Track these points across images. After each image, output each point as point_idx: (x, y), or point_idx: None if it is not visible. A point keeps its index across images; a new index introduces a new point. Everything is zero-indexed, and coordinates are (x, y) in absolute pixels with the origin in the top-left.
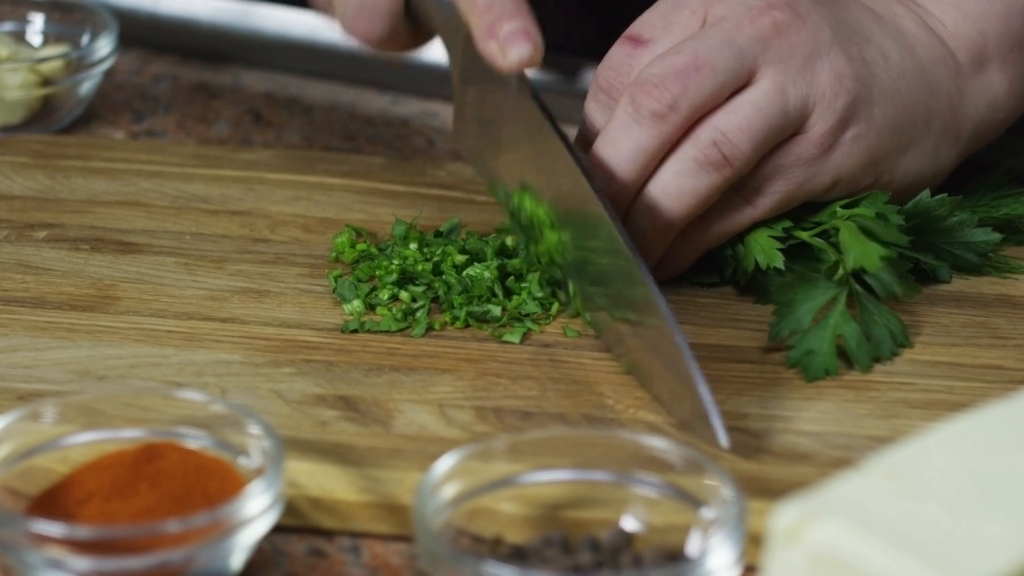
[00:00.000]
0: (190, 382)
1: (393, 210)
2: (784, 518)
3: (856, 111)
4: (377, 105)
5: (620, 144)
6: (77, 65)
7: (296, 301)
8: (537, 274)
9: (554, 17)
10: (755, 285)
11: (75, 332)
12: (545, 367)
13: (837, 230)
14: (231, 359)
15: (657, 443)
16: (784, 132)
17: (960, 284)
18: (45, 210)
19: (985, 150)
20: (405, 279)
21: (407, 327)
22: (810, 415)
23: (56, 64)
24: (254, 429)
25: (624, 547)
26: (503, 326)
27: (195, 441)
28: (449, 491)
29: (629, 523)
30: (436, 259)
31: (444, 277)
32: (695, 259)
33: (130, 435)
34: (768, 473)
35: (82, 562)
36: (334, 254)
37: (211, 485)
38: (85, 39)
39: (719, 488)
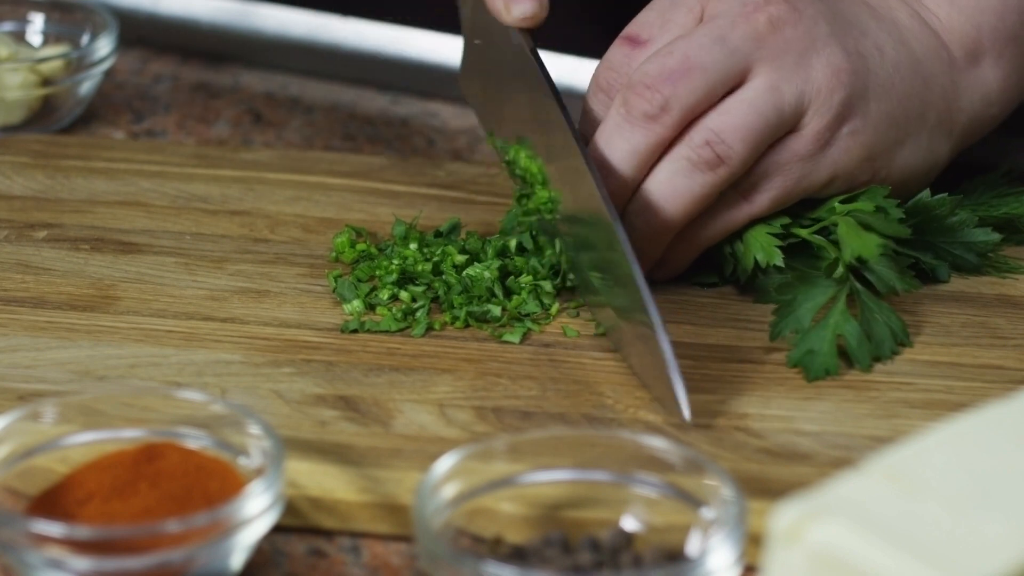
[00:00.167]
0: (190, 382)
1: (393, 210)
2: (784, 518)
3: (852, 106)
4: (377, 105)
5: (614, 145)
6: (77, 65)
7: (296, 301)
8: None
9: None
10: (755, 283)
11: (75, 332)
12: (545, 367)
13: (836, 226)
14: (231, 359)
15: (657, 443)
16: (779, 129)
17: (960, 284)
18: (45, 210)
19: (985, 150)
20: (405, 279)
21: (407, 327)
22: (810, 415)
23: (56, 64)
24: (254, 429)
25: (624, 547)
26: (503, 326)
27: (195, 441)
28: (449, 491)
29: (629, 523)
30: (436, 259)
31: (444, 277)
32: (694, 258)
33: (130, 435)
34: (768, 473)
35: (82, 562)
36: (334, 254)
37: (211, 485)
38: (85, 39)
39: (719, 488)
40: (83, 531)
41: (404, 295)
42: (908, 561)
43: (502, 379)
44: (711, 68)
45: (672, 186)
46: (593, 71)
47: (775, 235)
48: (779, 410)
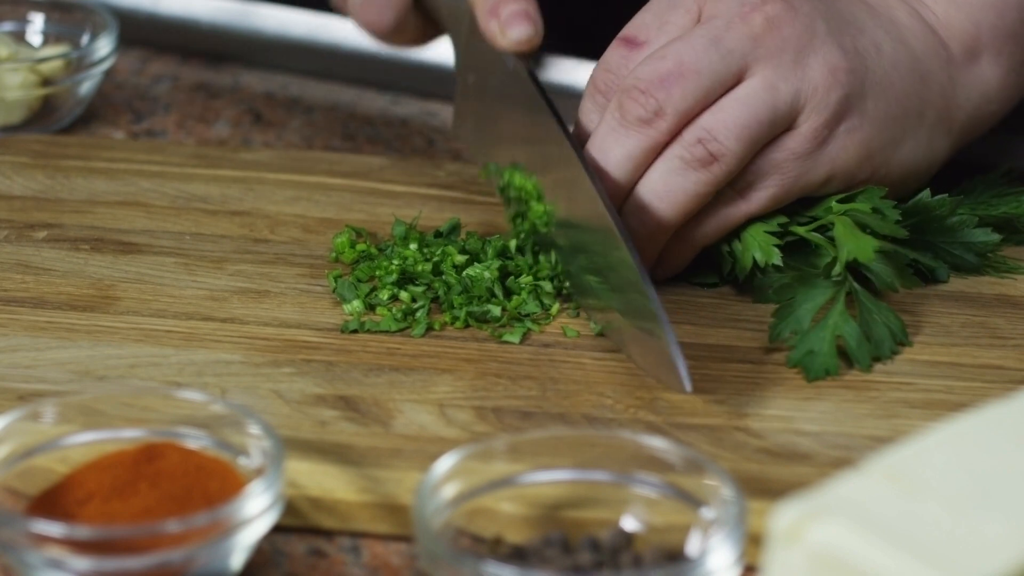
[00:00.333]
0: (190, 382)
1: (393, 210)
2: (784, 518)
3: (850, 105)
4: (377, 105)
5: (609, 150)
6: (77, 65)
7: (296, 301)
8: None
9: (551, 16)
10: (753, 283)
11: (75, 332)
12: (545, 367)
13: (833, 225)
14: (231, 359)
15: (657, 443)
16: (775, 127)
17: (959, 284)
18: (45, 210)
19: (985, 149)
20: (405, 279)
21: (407, 327)
22: (810, 415)
23: (56, 64)
24: (254, 429)
25: (624, 547)
26: (503, 326)
27: (195, 441)
28: (449, 491)
29: (629, 523)
30: (436, 259)
31: (444, 277)
32: (692, 257)
33: (130, 435)
34: (768, 473)
35: (82, 562)
36: (334, 254)
37: (211, 485)
38: (85, 39)
39: (719, 488)
40: (83, 531)
41: (404, 295)
42: (908, 561)
43: (502, 379)
44: (706, 71)
45: (666, 185)
46: (591, 73)
47: (773, 234)
48: (779, 410)
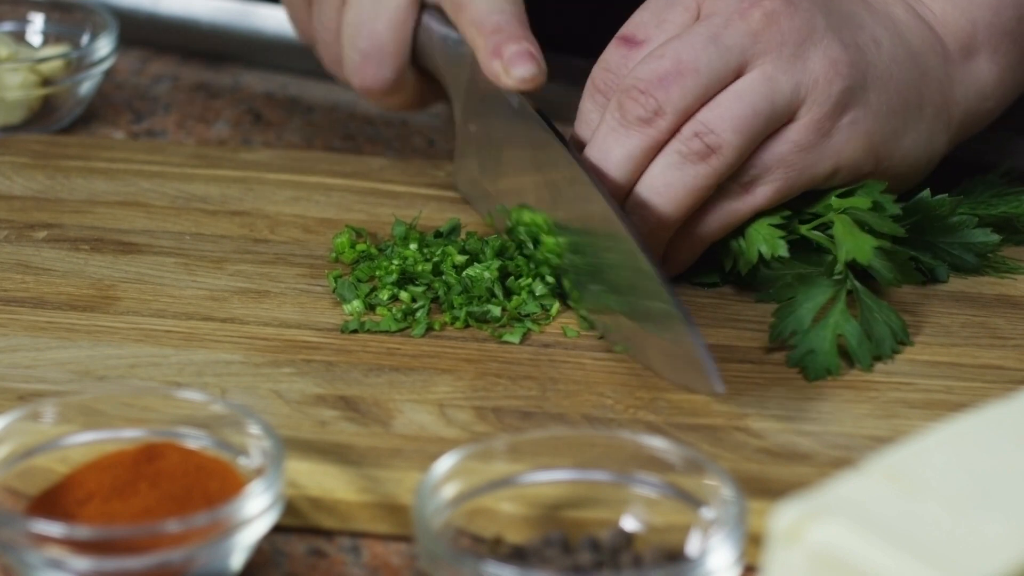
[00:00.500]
0: (190, 382)
1: (393, 210)
2: (784, 518)
3: (852, 97)
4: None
5: (610, 150)
6: (77, 65)
7: (296, 301)
8: (537, 276)
9: (552, 14)
10: (757, 276)
11: (75, 332)
12: (545, 367)
13: (833, 224)
14: (231, 359)
15: (657, 443)
16: (773, 119)
17: (959, 284)
18: (45, 210)
19: (984, 149)
20: (405, 279)
21: (407, 327)
22: (810, 415)
23: (56, 64)
24: (254, 429)
25: (624, 547)
26: (503, 326)
27: (195, 441)
28: (449, 491)
29: (629, 523)
30: (436, 259)
31: (444, 277)
32: (700, 253)
33: (130, 435)
34: (768, 473)
35: (82, 562)
36: (334, 254)
37: (211, 485)
38: (85, 39)
39: (719, 488)
40: (83, 531)
41: (404, 295)
42: (908, 561)
43: (502, 379)
44: (704, 69)
45: (665, 180)
46: (590, 72)
47: (777, 226)
48: (779, 410)
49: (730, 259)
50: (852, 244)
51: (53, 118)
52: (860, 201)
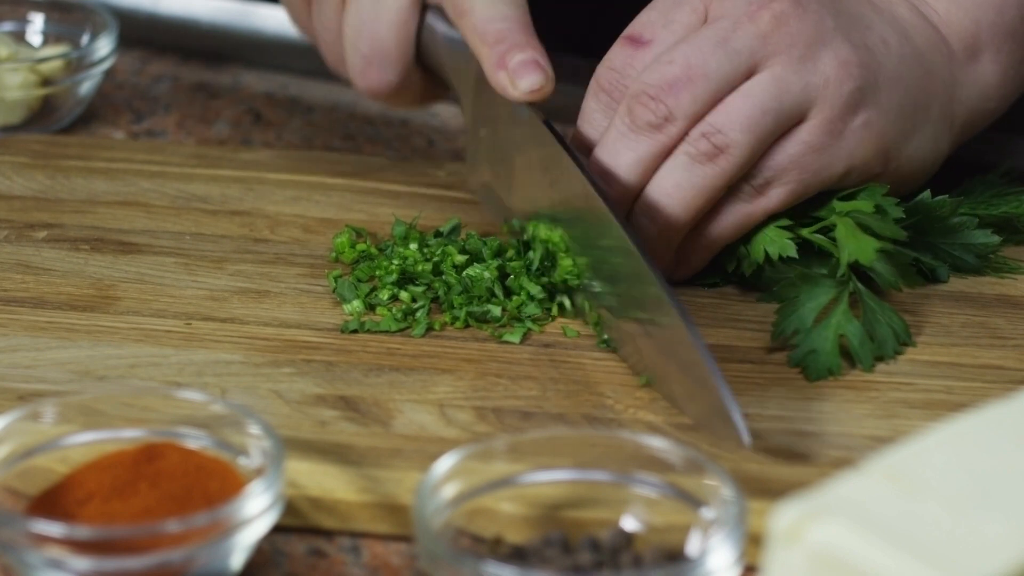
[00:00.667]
0: (190, 382)
1: (393, 210)
2: (784, 518)
3: (864, 97)
4: (377, 105)
5: (619, 154)
6: (77, 65)
7: (296, 301)
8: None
9: (551, 14)
10: (760, 280)
11: (75, 332)
12: (545, 367)
13: (836, 227)
14: (231, 359)
15: (657, 443)
16: (782, 118)
17: (960, 284)
18: (45, 210)
19: (984, 149)
20: (405, 279)
21: (407, 327)
22: (810, 415)
23: (56, 64)
24: (254, 429)
25: (624, 547)
26: (503, 326)
27: (195, 441)
28: (449, 491)
29: (629, 523)
30: (436, 259)
31: (444, 277)
32: (713, 255)
33: (130, 435)
34: (768, 473)
35: (82, 562)
36: (334, 254)
37: (211, 485)
38: (85, 39)
39: (719, 488)
40: (83, 531)
41: (404, 295)
42: (908, 561)
43: (502, 379)
44: (714, 74)
45: (674, 182)
46: (595, 72)
47: (784, 228)
48: (779, 410)
49: (733, 261)
50: (855, 246)
51: (53, 118)
52: (863, 205)
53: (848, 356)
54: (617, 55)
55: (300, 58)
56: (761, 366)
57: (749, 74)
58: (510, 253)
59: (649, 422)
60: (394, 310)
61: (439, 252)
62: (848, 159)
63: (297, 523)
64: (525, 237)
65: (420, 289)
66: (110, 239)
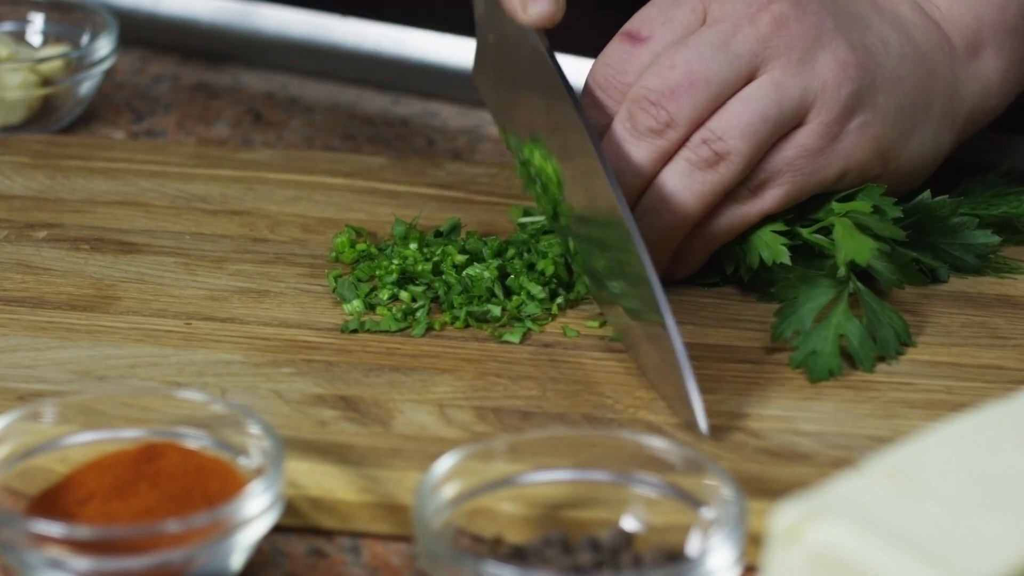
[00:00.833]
0: (190, 382)
1: (393, 210)
2: (784, 518)
3: (861, 99)
4: (377, 105)
5: (620, 159)
6: (77, 65)
7: (296, 301)
8: (535, 276)
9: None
10: (758, 282)
11: (75, 332)
12: (545, 367)
13: (834, 227)
14: (231, 359)
15: (657, 443)
16: (782, 124)
17: (960, 284)
18: (45, 210)
19: (984, 149)
20: (405, 279)
21: (407, 327)
22: (810, 415)
23: (56, 64)
24: (254, 429)
25: (624, 547)
26: (503, 326)
27: (195, 441)
28: (449, 491)
29: (629, 523)
30: (436, 259)
31: (444, 277)
32: (709, 254)
33: (130, 435)
34: (768, 473)
35: (82, 562)
36: (334, 254)
37: (211, 485)
38: (85, 39)
39: (719, 488)
40: (83, 531)
41: (404, 295)
42: (908, 561)
43: (502, 379)
44: (715, 79)
45: (675, 187)
46: (590, 67)
47: (780, 233)
48: (779, 410)
49: (731, 263)
50: (851, 246)
51: (53, 118)
52: (861, 205)
53: (848, 356)
54: (614, 51)
55: (300, 58)
56: (761, 366)
57: (749, 77)
58: (510, 253)
59: (649, 422)
60: (394, 310)
61: (439, 252)
62: (844, 161)
63: (297, 523)
64: (520, 157)
65: (420, 289)
66: (110, 239)
